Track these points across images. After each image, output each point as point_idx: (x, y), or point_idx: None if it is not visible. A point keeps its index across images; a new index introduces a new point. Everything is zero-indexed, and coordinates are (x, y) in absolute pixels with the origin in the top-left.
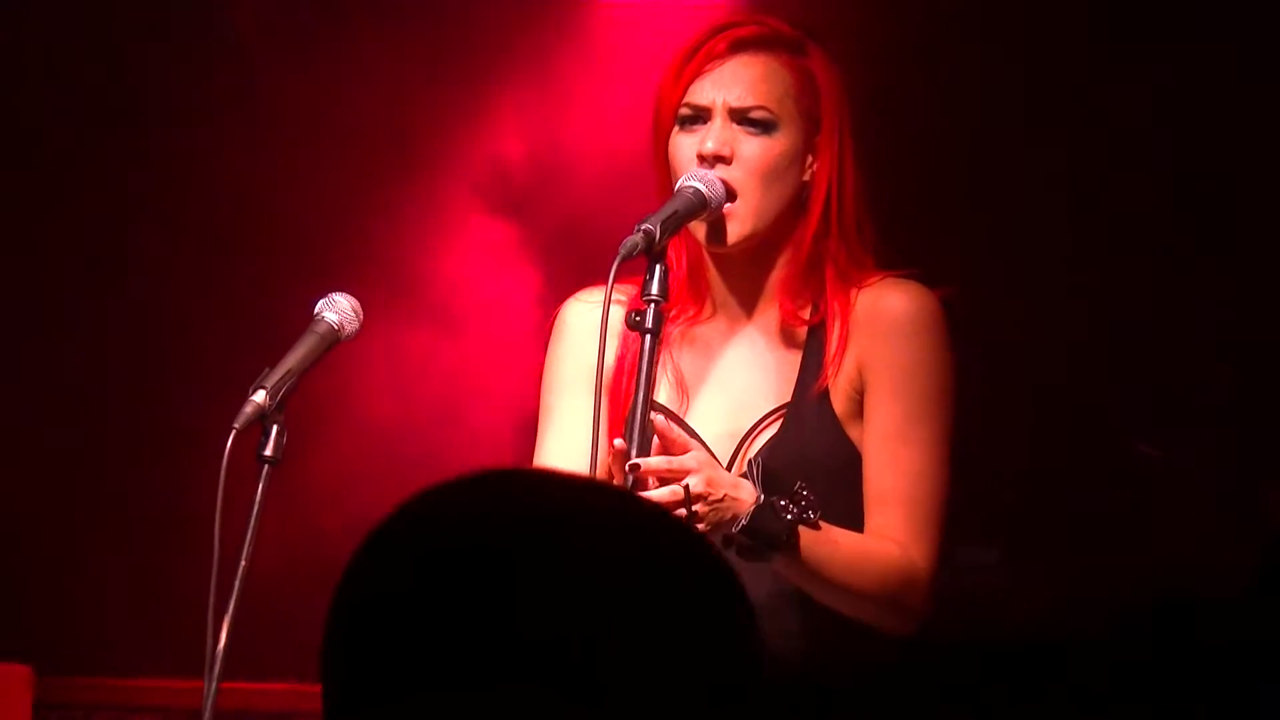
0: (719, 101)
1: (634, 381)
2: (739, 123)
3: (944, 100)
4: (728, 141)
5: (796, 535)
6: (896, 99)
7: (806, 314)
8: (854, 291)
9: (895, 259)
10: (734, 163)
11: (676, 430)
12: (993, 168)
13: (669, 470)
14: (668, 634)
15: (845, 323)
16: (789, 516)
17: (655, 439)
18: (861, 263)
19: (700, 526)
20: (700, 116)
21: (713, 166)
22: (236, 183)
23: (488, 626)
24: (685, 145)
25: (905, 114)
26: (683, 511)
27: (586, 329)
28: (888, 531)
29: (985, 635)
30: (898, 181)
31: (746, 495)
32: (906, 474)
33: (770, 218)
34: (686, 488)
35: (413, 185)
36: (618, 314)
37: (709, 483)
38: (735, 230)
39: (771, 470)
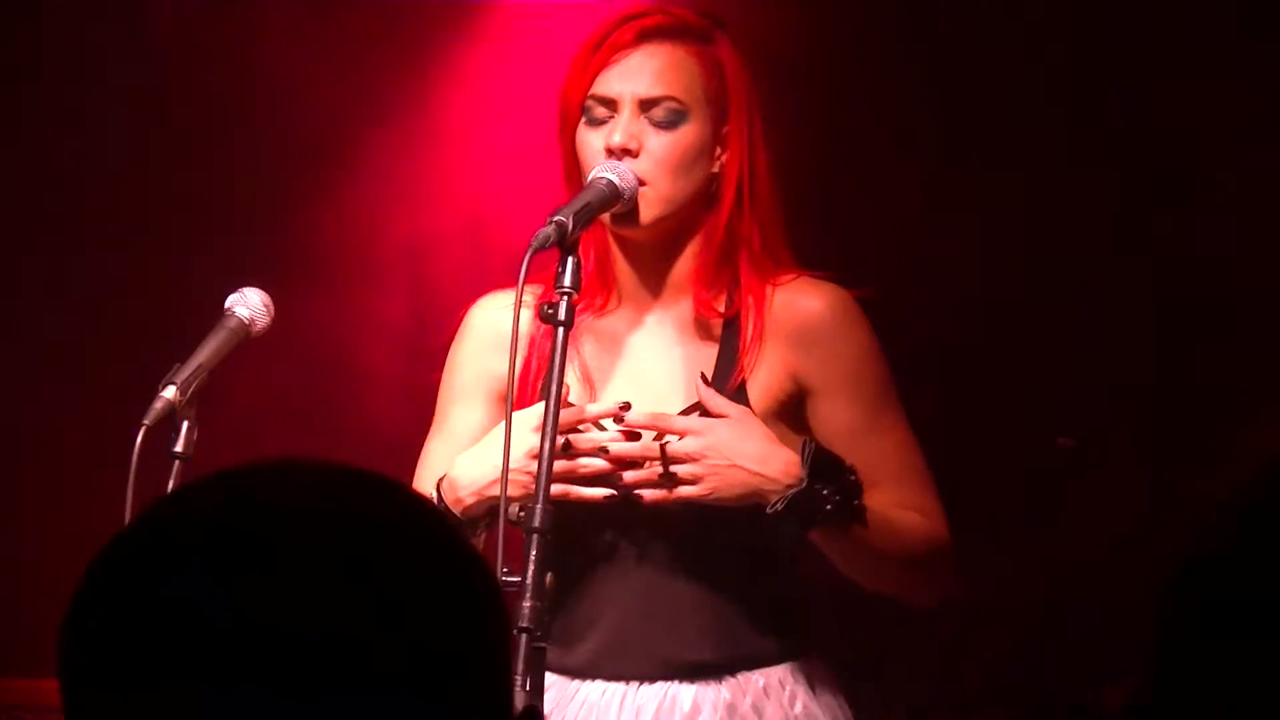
0: (626, 93)
1: (540, 379)
2: (647, 114)
3: (863, 101)
4: (635, 135)
5: (830, 518)
6: (820, 101)
7: (721, 305)
8: (769, 288)
9: (810, 257)
10: (641, 155)
11: (719, 399)
12: (909, 170)
13: (654, 424)
14: (402, 627)
15: (760, 317)
16: (829, 507)
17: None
18: (776, 255)
19: (694, 490)
20: (608, 108)
21: (621, 160)
22: (142, 173)
23: (215, 624)
24: (593, 139)
25: (822, 114)
26: (657, 469)
27: (490, 335)
28: (902, 504)
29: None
30: (818, 182)
31: (779, 473)
32: (891, 455)
33: (678, 205)
34: (663, 445)
35: (317, 174)
36: (526, 315)
37: (717, 447)
38: (646, 213)
39: (822, 453)
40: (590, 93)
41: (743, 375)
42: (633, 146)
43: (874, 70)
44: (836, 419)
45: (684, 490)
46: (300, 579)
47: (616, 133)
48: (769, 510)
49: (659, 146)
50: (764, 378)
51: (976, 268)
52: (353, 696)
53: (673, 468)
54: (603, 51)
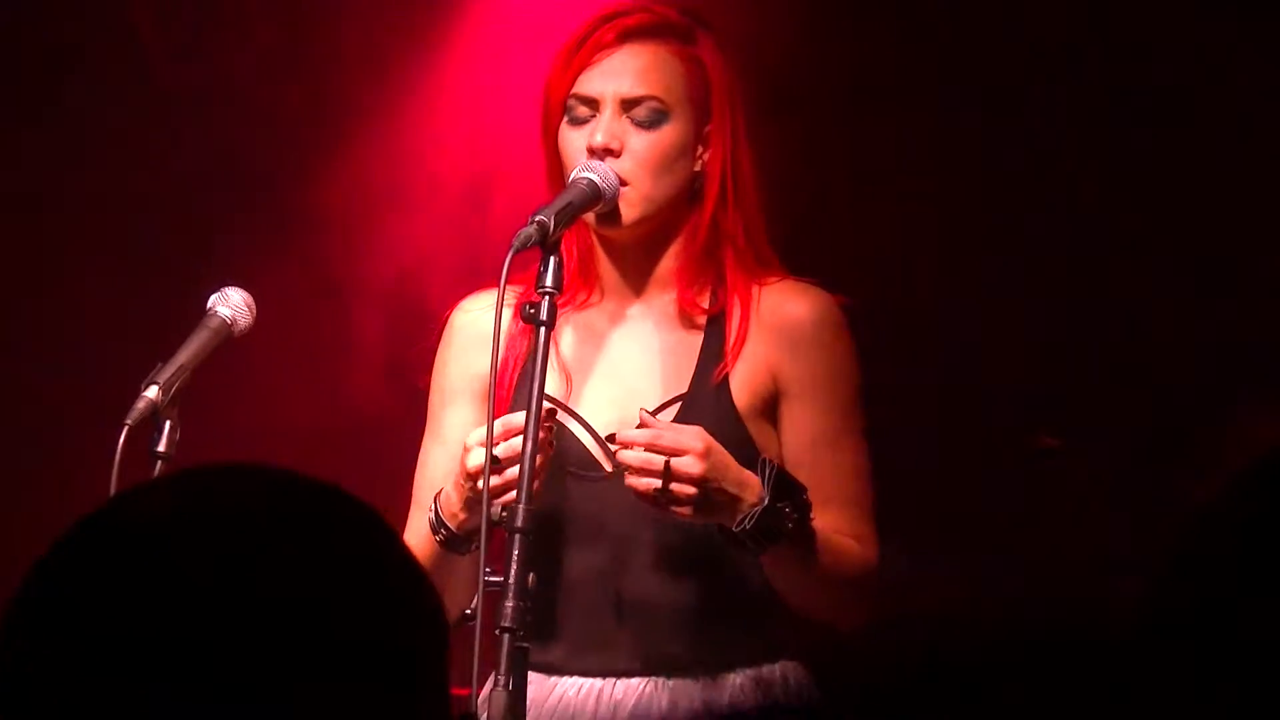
0: (608, 93)
1: (518, 377)
2: (629, 114)
3: (854, 99)
4: (617, 135)
5: (791, 537)
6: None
7: (705, 302)
8: (755, 287)
9: (795, 260)
10: (623, 155)
11: (662, 423)
12: (892, 168)
13: (656, 444)
14: (337, 631)
15: (746, 314)
16: (790, 525)
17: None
18: (760, 253)
19: (683, 511)
20: (589, 108)
21: (602, 159)
22: (125, 170)
23: (143, 630)
24: (574, 138)
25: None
26: (656, 483)
27: (472, 336)
28: (839, 529)
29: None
30: (802, 185)
31: (750, 495)
32: (846, 476)
33: (661, 204)
34: (667, 464)
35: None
36: (507, 315)
37: (712, 471)
38: (627, 213)
39: (783, 475)
40: (572, 92)
41: (726, 370)
42: (614, 146)
43: (864, 75)
44: (804, 427)
45: (678, 510)
46: (231, 584)
47: (599, 133)
48: (736, 528)
49: (641, 146)
50: (746, 374)
51: (966, 271)
52: (286, 700)
53: (673, 485)
54: (585, 50)
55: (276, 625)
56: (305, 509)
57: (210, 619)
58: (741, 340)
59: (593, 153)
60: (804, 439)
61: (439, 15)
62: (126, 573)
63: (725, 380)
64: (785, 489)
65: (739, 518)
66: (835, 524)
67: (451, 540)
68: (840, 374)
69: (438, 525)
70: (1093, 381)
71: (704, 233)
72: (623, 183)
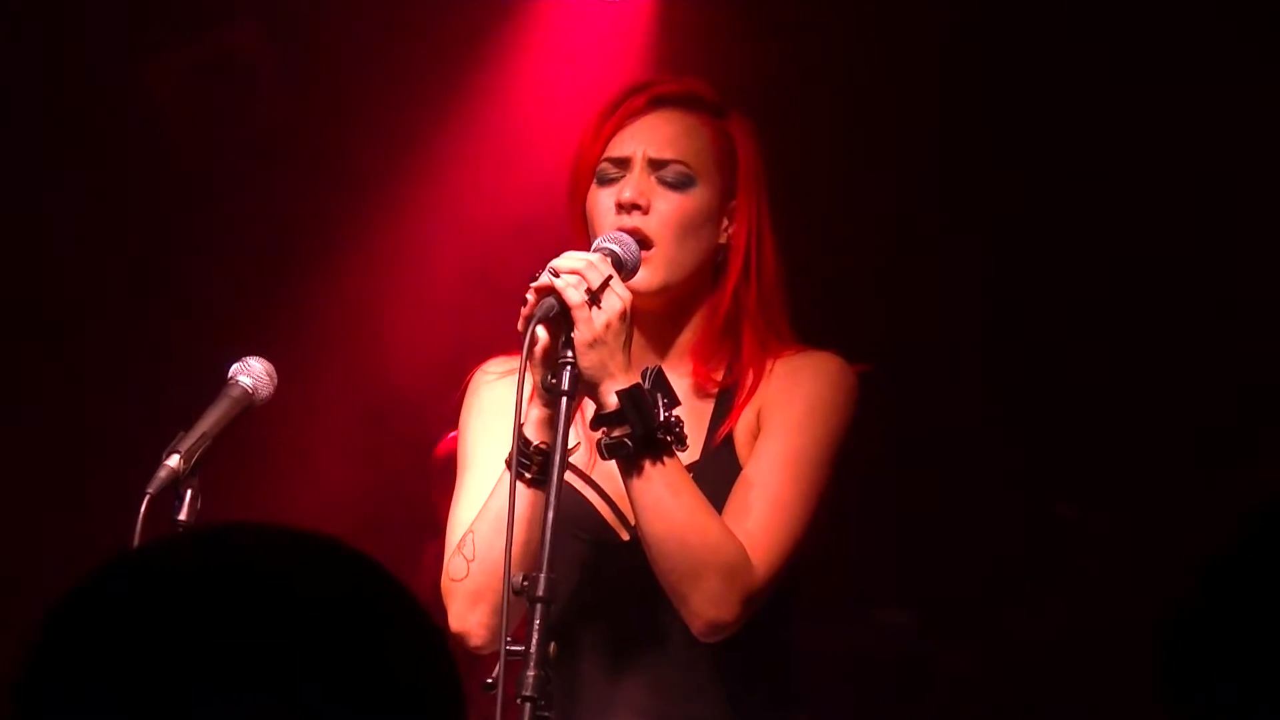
0: (638, 153)
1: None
2: (656, 174)
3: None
4: (645, 192)
5: (665, 434)
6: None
7: (719, 375)
8: (770, 360)
9: (813, 336)
10: (650, 213)
11: None
12: (912, 243)
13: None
14: (363, 690)
15: (757, 383)
16: (663, 416)
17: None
18: (780, 333)
19: (585, 360)
20: (619, 168)
21: (629, 214)
22: (154, 252)
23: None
24: (603, 197)
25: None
26: (578, 296)
27: (491, 405)
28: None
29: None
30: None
31: (624, 370)
32: (773, 501)
33: (685, 272)
34: (554, 270)
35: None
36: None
37: (608, 324)
38: (648, 277)
39: (661, 378)
40: (603, 155)
41: (730, 427)
42: (642, 202)
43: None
44: (759, 448)
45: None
46: (247, 645)
47: (627, 189)
48: (615, 390)
49: (667, 207)
50: (745, 428)
51: (975, 343)
52: None
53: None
54: (617, 116)
55: (292, 683)
56: (328, 571)
57: (225, 672)
58: (747, 401)
59: (620, 207)
60: (756, 458)
61: (461, 81)
62: (142, 623)
63: (729, 438)
64: (660, 390)
65: (616, 381)
66: (730, 519)
67: (545, 465)
68: (814, 415)
69: (528, 463)
70: (1108, 448)
71: (725, 308)
72: (647, 244)
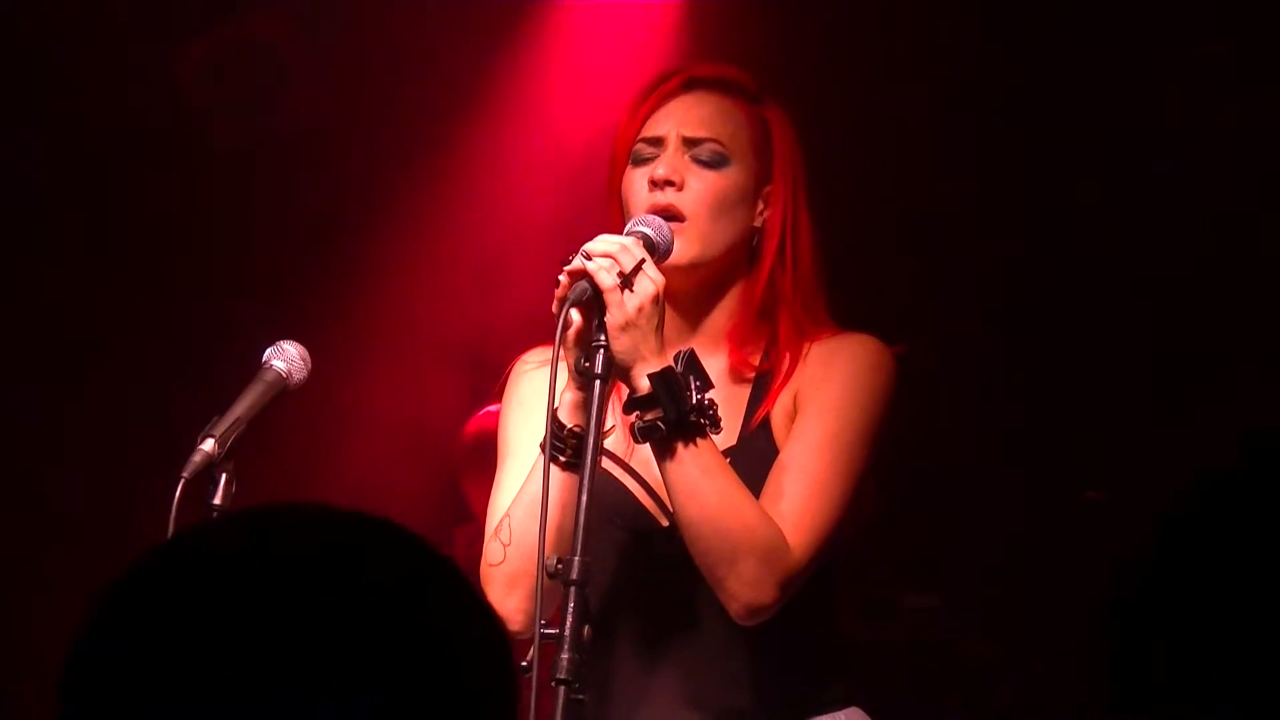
0: (672, 133)
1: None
2: (690, 152)
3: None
4: (679, 169)
5: (698, 417)
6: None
7: (756, 360)
8: (807, 344)
9: (850, 320)
10: (684, 189)
11: None
12: (952, 225)
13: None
14: (405, 671)
15: (794, 366)
16: (695, 398)
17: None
18: (817, 318)
19: (618, 343)
20: (654, 147)
21: (663, 190)
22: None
23: (215, 669)
24: (637, 177)
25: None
26: (610, 280)
27: (533, 393)
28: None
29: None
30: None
31: (656, 353)
32: (810, 483)
33: (718, 248)
34: (587, 253)
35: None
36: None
37: (641, 307)
38: (682, 250)
39: (693, 360)
40: (639, 136)
41: (766, 410)
42: (675, 179)
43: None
44: (796, 431)
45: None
46: (302, 624)
47: (660, 166)
48: (648, 373)
49: (700, 184)
50: (782, 410)
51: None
52: None
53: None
54: (651, 99)
55: (343, 664)
56: (379, 552)
57: (272, 655)
58: (784, 384)
59: (654, 184)
60: (793, 441)
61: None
62: (190, 606)
63: (766, 421)
64: (693, 373)
65: (647, 364)
66: (767, 502)
67: (579, 448)
68: (852, 397)
69: (563, 446)
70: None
71: (760, 292)
72: (680, 218)
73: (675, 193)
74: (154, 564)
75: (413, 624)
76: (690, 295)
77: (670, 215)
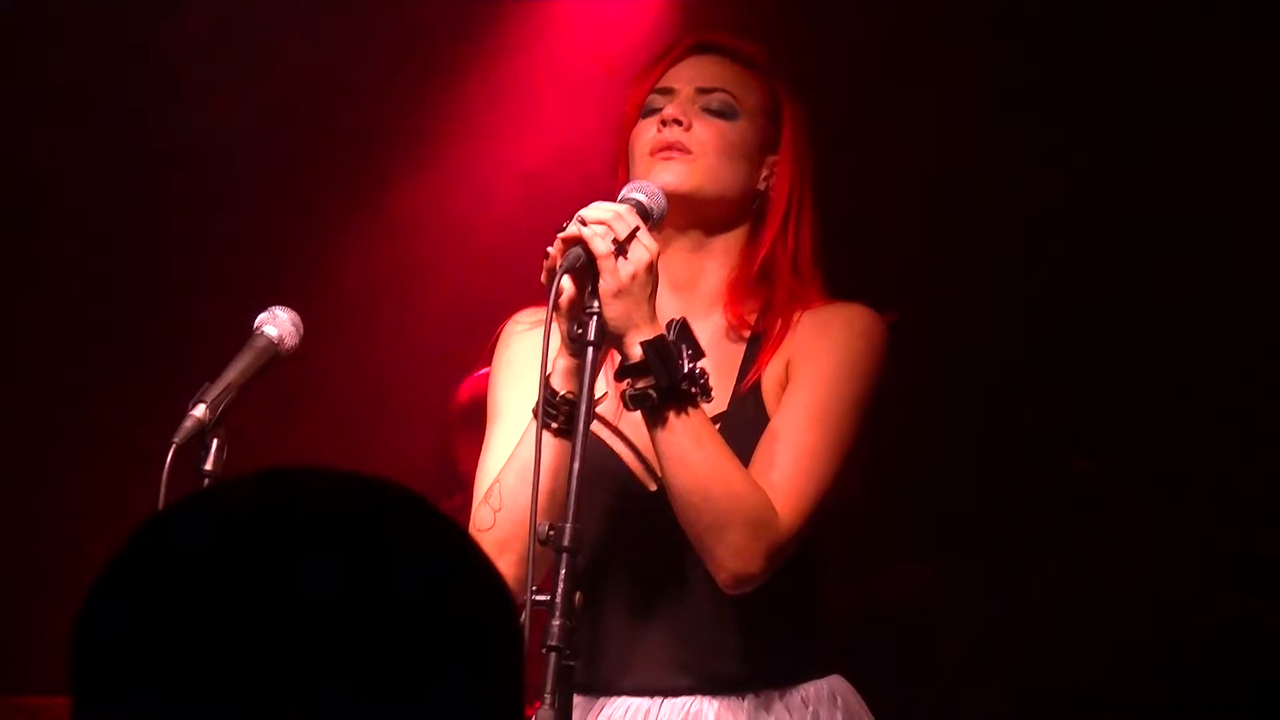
0: (684, 81)
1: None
2: (701, 101)
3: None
4: (688, 112)
5: (689, 385)
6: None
7: (752, 320)
8: (799, 312)
9: (844, 291)
10: (691, 130)
11: None
12: (944, 196)
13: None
14: (414, 634)
15: (785, 329)
16: (687, 367)
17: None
18: (810, 293)
19: (610, 310)
20: (665, 97)
21: (669, 128)
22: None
23: (227, 631)
24: (644, 127)
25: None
26: (605, 246)
27: (524, 354)
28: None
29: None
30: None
31: (649, 321)
32: (800, 453)
33: (718, 188)
34: (582, 220)
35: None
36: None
37: (634, 274)
38: (685, 177)
39: (686, 329)
40: (649, 94)
41: (757, 375)
42: (683, 120)
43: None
44: (787, 400)
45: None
46: (305, 585)
47: (669, 107)
48: (639, 347)
49: (710, 127)
50: (773, 376)
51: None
52: (365, 703)
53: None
54: (663, 63)
55: (352, 625)
56: (385, 512)
57: (287, 618)
58: (774, 348)
59: (663, 124)
60: (784, 409)
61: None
62: (205, 567)
63: (756, 386)
64: (685, 341)
65: (640, 331)
66: (757, 471)
67: (572, 414)
68: (844, 367)
69: (555, 412)
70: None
71: (762, 256)
72: (685, 151)
73: (683, 131)
74: (154, 532)
75: (425, 584)
76: (689, 251)
77: (675, 150)
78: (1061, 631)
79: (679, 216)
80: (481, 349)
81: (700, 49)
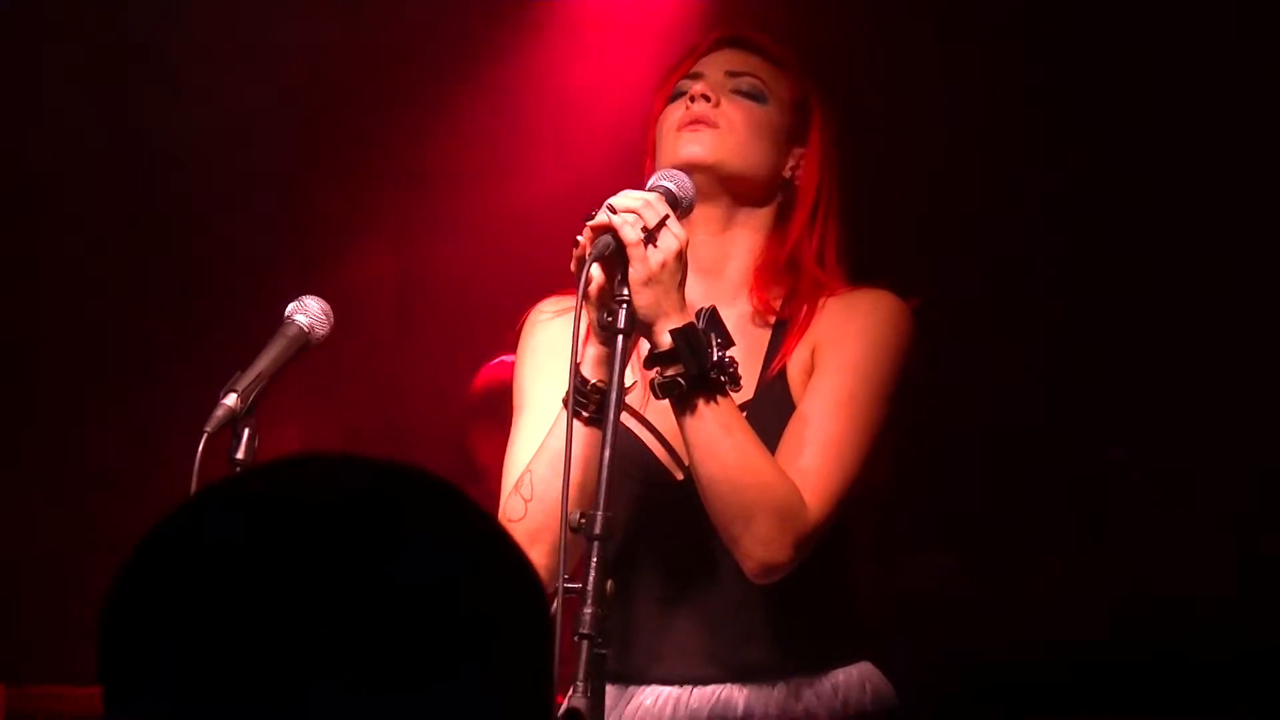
0: (714, 66)
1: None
2: (731, 83)
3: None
4: (717, 91)
5: (718, 374)
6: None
7: (778, 305)
8: (824, 299)
9: (869, 277)
10: (720, 106)
11: None
12: (960, 183)
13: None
14: (440, 616)
15: (811, 316)
16: (716, 355)
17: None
18: (835, 279)
19: (640, 298)
20: (694, 80)
21: (697, 104)
22: (200, 182)
23: (274, 623)
24: (672, 110)
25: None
26: (635, 234)
27: (549, 343)
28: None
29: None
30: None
31: (678, 309)
32: (827, 441)
33: (742, 164)
34: (611, 208)
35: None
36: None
37: (664, 262)
38: (711, 148)
39: (715, 318)
40: (678, 83)
41: (783, 362)
42: (712, 96)
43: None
44: (814, 386)
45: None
46: (338, 571)
47: (698, 84)
48: (668, 335)
49: (738, 106)
50: (799, 362)
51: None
52: (391, 683)
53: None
54: (692, 57)
55: (379, 609)
56: (415, 498)
57: (314, 606)
58: (800, 334)
59: (691, 100)
60: (810, 396)
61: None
62: (231, 553)
63: (782, 372)
64: (714, 329)
65: (670, 319)
66: (784, 459)
67: (602, 403)
68: (869, 354)
69: (585, 401)
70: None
71: (790, 244)
72: (713, 125)
73: (711, 108)
74: (185, 518)
75: (455, 572)
76: (714, 218)
77: (703, 123)
78: (1062, 631)
79: (705, 188)
80: (494, 339)
81: (731, 42)
